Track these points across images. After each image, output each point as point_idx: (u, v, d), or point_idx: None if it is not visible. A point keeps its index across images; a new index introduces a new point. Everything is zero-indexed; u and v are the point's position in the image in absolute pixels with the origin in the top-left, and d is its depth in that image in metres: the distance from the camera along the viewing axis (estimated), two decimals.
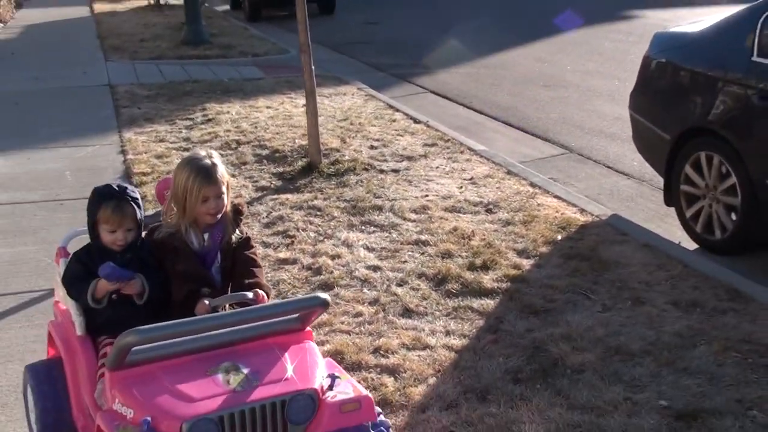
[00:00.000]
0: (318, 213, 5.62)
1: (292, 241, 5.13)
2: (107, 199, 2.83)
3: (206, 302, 2.73)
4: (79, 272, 2.84)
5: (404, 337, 3.90)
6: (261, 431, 2.38)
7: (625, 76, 9.42)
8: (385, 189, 6.07)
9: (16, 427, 3.29)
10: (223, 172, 2.89)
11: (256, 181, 6.35)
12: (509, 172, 6.53)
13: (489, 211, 5.64)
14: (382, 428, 2.65)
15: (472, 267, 4.66)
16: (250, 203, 5.83)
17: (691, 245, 5.23)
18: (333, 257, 4.85)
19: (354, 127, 7.92)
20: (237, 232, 2.97)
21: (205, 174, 2.82)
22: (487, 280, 4.50)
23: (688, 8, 14.98)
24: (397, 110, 8.77)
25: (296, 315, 2.64)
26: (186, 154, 6.89)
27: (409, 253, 4.92)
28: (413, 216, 5.52)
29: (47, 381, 2.92)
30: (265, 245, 5.06)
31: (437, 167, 6.69)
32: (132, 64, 11.60)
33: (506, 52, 12.77)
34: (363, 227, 5.35)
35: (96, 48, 13.10)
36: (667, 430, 3.13)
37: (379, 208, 5.64)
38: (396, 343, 3.85)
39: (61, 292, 3.08)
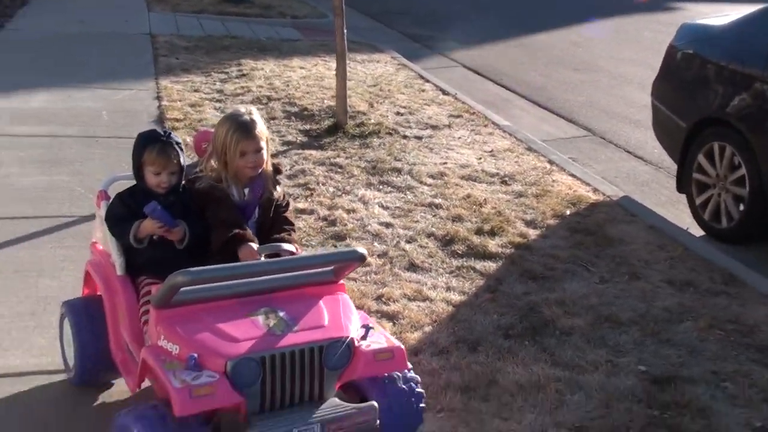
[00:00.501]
0: (339, 170, 5.83)
1: (312, 193, 5.35)
2: (152, 142, 2.94)
3: (254, 246, 2.83)
4: (123, 212, 2.94)
5: (406, 289, 4.12)
6: (299, 374, 2.50)
7: (659, 66, 9.45)
8: (406, 153, 6.27)
9: (43, 332, 3.56)
10: (262, 128, 2.98)
11: (283, 136, 6.57)
12: (529, 148, 6.69)
13: (504, 182, 5.82)
14: (411, 383, 2.81)
15: (480, 231, 4.86)
16: (274, 155, 6.04)
17: (698, 232, 5.38)
18: (348, 211, 5.07)
19: (383, 93, 8.10)
20: (278, 190, 3.08)
21: (244, 128, 2.91)
22: (493, 244, 4.70)
23: (731, 3, 14.88)
24: (428, 81, 8.92)
25: (331, 267, 2.75)
26: (218, 104, 7.20)
27: (422, 214, 5.13)
28: (430, 180, 5.72)
29: (86, 317, 3.06)
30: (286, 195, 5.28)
31: (459, 137, 6.87)
32: (174, 16, 11.82)
33: (543, 32, 12.81)
34: (380, 186, 5.56)
35: None
36: (641, 391, 3.33)
37: (398, 171, 5.85)
38: (398, 293, 4.07)
39: (99, 234, 3.23)
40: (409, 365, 2.84)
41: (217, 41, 10.15)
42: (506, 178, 5.89)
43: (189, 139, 6.18)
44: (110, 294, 2.99)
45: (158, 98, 7.40)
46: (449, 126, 7.19)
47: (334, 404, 2.57)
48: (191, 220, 2.93)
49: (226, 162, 2.94)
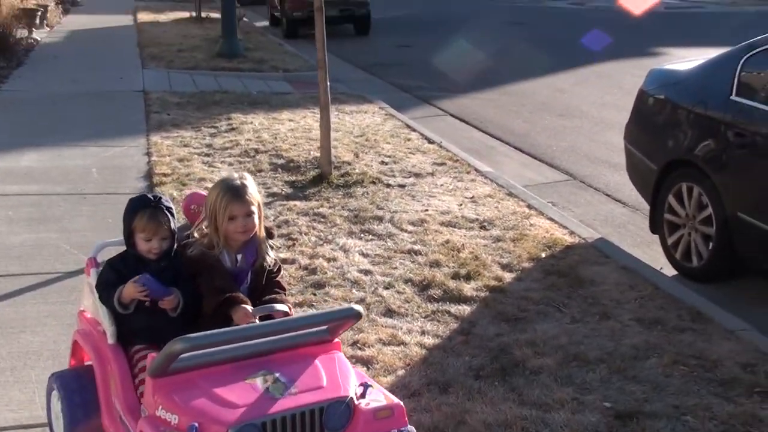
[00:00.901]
0: (322, 220, 5.99)
1: (294, 243, 5.50)
2: (143, 208, 2.94)
3: (249, 309, 2.84)
4: (112, 278, 2.92)
5: (382, 334, 4.24)
6: None
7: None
8: (389, 202, 6.43)
9: (22, 387, 3.67)
10: (253, 192, 2.97)
11: (269, 188, 6.74)
12: (510, 194, 6.85)
13: (483, 227, 5.97)
14: None
15: (456, 276, 4.99)
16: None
17: (672, 272, 5.51)
18: (329, 260, 5.21)
19: (369, 143, 8.30)
20: (270, 255, 3.08)
21: (234, 192, 2.92)
22: (468, 288, 4.83)
23: (714, 47, 15.20)
24: (414, 130, 9.14)
25: (326, 327, 2.75)
26: (206, 158, 7.39)
27: (401, 260, 5.27)
28: (410, 228, 5.87)
29: (77, 389, 3.01)
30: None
31: (442, 185, 7.04)
32: (167, 73, 12.12)
33: (529, 80, 13.09)
34: (362, 235, 5.71)
35: (135, 55, 13.67)
36: (605, 427, 3.43)
37: (380, 219, 6.00)
38: (373, 338, 4.19)
39: (87, 302, 3.21)
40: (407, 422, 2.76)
41: (209, 96, 10.41)
42: (485, 224, 6.04)
43: (176, 194, 6.37)
44: (101, 364, 2.96)
45: (148, 154, 7.60)
46: (432, 174, 7.37)
47: None
48: (183, 286, 2.93)
49: (216, 226, 2.94)
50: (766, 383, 3.80)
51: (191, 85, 11.31)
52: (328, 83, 6.97)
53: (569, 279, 5.01)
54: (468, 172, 7.47)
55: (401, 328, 4.33)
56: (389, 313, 4.52)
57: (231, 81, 11.76)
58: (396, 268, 5.14)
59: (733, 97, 5.02)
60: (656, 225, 5.73)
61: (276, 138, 8.30)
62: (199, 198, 3.22)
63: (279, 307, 2.89)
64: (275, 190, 6.71)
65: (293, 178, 7.02)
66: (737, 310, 4.71)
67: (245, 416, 2.42)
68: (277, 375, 2.58)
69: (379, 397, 2.69)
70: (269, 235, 3.12)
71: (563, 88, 12.57)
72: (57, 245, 5.32)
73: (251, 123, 8.93)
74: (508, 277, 5.05)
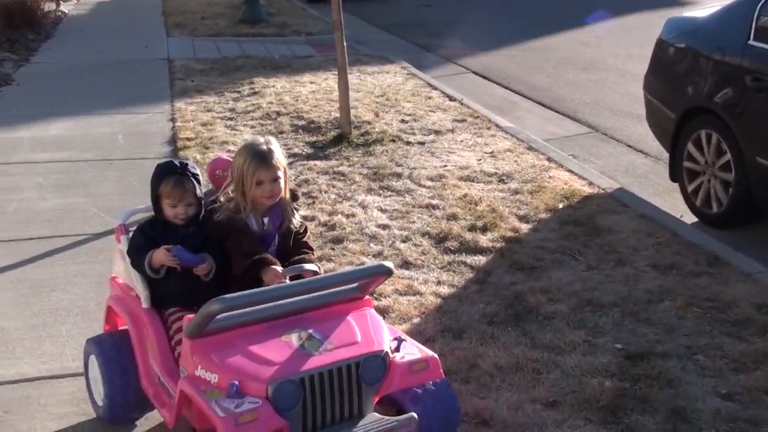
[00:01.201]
0: (341, 178, 6.07)
1: (314, 201, 5.59)
2: (168, 175, 2.97)
3: (279, 269, 2.87)
4: (142, 243, 2.97)
5: (398, 285, 4.32)
6: (338, 392, 2.54)
7: None
8: (408, 159, 6.48)
9: (53, 341, 3.84)
10: (279, 157, 3.00)
11: (290, 149, 6.82)
12: (530, 148, 6.86)
13: (501, 181, 6.00)
14: (446, 390, 2.82)
15: (473, 228, 5.05)
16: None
17: (692, 219, 5.50)
18: (348, 216, 5.30)
19: (389, 103, 8.33)
20: (297, 218, 3.11)
21: (261, 158, 2.94)
22: (484, 240, 4.89)
23: None
24: (435, 88, 9.13)
25: (357, 284, 2.80)
26: (229, 122, 7.49)
27: (418, 215, 5.33)
28: (429, 183, 5.92)
29: (114, 352, 3.06)
30: None
31: (461, 141, 7.06)
32: (191, 40, 12.20)
33: (553, 35, 12.94)
34: (380, 191, 5.78)
35: (160, 24, 13.75)
36: (615, 367, 3.49)
37: (398, 175, 6.06)
38: (390, 289, 4.27)
39: (119, 267, 3.25)
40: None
41: (231, 62, 10.48)
42: (504, 177, 6.07)
43: (200, 157, 6.49)
44: (137, 328, 3.01)
45: (172, 119, 7.72)
46: (452, 130, 7.39)
47: (374, 419, 2.61)
48: (212, 251, 2.97)
49: (243, 191, 2.97)
50: None
51: (215, 51, 11.38)
52: (345, 44, 7.00)
53: (586, 228, 5.04)
54: (488, 128, 7.48)
55: (417, 279, 4.41)
56: (406, 264, 4.60)
57: (254, 46, 11.80)
58: (413, 222, 5.21)
59: (751, 42, 4.96)
60: (676, 173, 5.71)
61: (297, 100, 8.36)
62: (223, 163, 3.29)
63: (308, 266, 2.94)
64: (296, 150, 6.79)
65: (314, 138, 7.09)
66: (755, 254, 4.71)
67: (283, 373, 2.47)
68: (311, 332, 2.63)
69: (413, 350, 2.74)
70: (294, 197, 3.15)
71: (587, 41, 12.40)
72: (85, 209, 5.47)
73: (273, 86, 8.99)
74: (524, 228, 5.10)
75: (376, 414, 2.64)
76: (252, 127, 7.44)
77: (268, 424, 2.39)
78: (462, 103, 8.39)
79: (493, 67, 10.90)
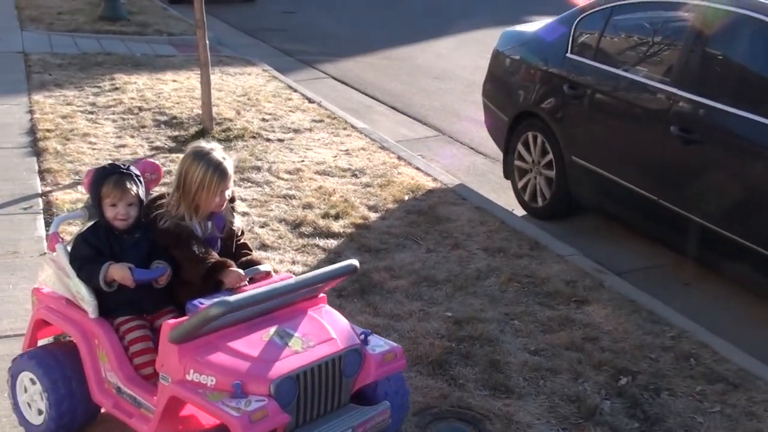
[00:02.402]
0: None
1: None
2: (109, 174, 2.93)
3: (241, 271, 2.93)
4: (89, 254, 2.89)
5: None
6: (325, 386, 2.68)
7: None
8: (267, 154, 6.85)
9: None
10: (230, 165, 3.02)
11: (152, 142, 7.03)
12: (382, 147, 7.38)
13: (354, 175, 6.48)
14: (401, 378, 3.06)
15: (326, 216, 5.49)
16: (142, 160, 6.51)
17: (522, 212, 6.17)
18: None
19: (251, 102, 8.65)
20: (237, 220, 3.18)
21: (223, 173, 2.96)
22: (337, 226, 5.34)
23: None
24: (295, 90, 9.52)
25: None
26: (90, 116, 7.54)
27: (276, 204, 5.71)
28: (287, 176, 6.31)
29: (55, 365, 2.97)
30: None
31: (319, 139, 7.50)
32: (48, 35, 11.98)
33: (410, 45, 13.65)
34: (240, 183, 6.10)
35: (12, 17, 13.37)
36: (444, 330, 4.02)
37: (258, 168, 6.42)
38: None
39: (47, 278, 3.12)
40: None
41: (92, 58, 10.44)
42: (357, 172, 6.55)
43: (60, 147, 6.59)
44: (86, 338, 2.94)
45: (30, 111, 7.70)
46: (310, 129, 7.81)
47: (353, 409, 2.77)
48: (161, 257, 2.96)
49: (194, 199, 2.96)
50: (583, 294, 4.49)
51: (73, 47, 11.27)
52: (207, 41, 7.28)
53: (428, 217, 5.59)
54: (344, 128, 7.95)
55: (274, 259, 4.79)
56: (263, 247, 4.97)
57: (114, 44, 11.76)
58: (272, 210, 5.58)
59: (569, 55, 5.68)
60: (509, 171, 6.38)
61: (159, 97, 8.53)
62: (151, 166, 3.25)
63: (263, 268, 3.04)
64: (159, 144, 7.00)
65: (176, 133, 7.32)
66: (570, 240, 5.41)
67: (282, 371, 2.58)
68: (288, 331, 2.74)
69: (380, 343, 2.92)
70: (231, 199, 3.18)
71: (442, 53, 13.18)
72: None
73: (135, 83, 9.09)
74: (373, 216, 5.59)
75: (353, 405, 2.80)
76: (114, 120, 7.56)
77: (276, 421, 2.50)
78: (320, 105, 8.83)
79: (352, 73, 11.43)
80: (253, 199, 5.77)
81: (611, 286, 4.61)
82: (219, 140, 7.11)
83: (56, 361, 2.99)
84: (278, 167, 6.49)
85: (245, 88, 9.36)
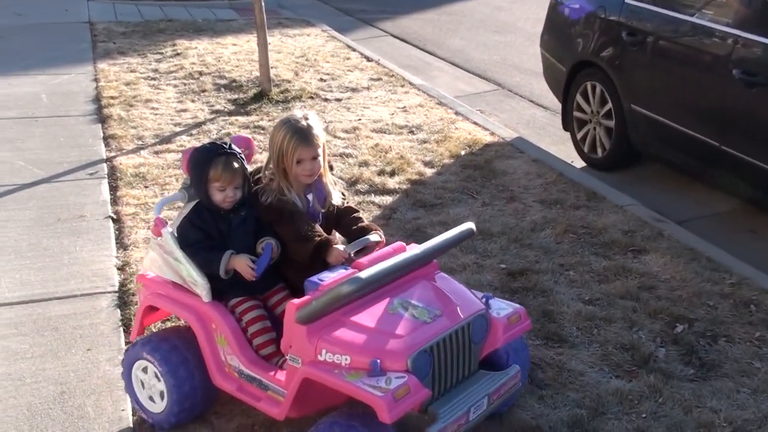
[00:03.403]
0: (261, 131, 6.44)
1: None
2: (216, 156, 2.79)
3: (341, 248, 2.81)
4: (200, 239, 2.83)
5: None
6: (456, 355, 2.60)
7: None
8: (325, 114, 6.89)
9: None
10: (319, 132, 2.88)
11: (212, 106, 7.15)
12: (440, 103, 7.34)
13: (411, 132, 6.47)
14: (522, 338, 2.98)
15: (382, 173, 5.51)
16: (203, 123, 6.65)
17: (582, 164, 6.08)
18: None
19: (309, 63, 8.69)
20: (337, 193, 3.03)
21: (301, 135, 2.83)
22: (392, 182, 5.36)
23: None
24: (354, 50, 9.52)
25: None
26: (152, 82, 7.73)
27: (333, 162, 5.75)
28: (343, 135, 6.35)
29: (171, 349, 2.91)
30: None
31: (376, 97, 7.50)
32: (112, 4, 12.24)
33: (469, 0, 13.45)
34: None
35: None
36: (498, 282, 4.02)
37: None
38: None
39: (153, 264, 3.03)
40: None
41: (154, 25, 10.63)
42: (413, 129, 6.54)
43: (124, 114, 6.77)
44: (203, 323, 2.87)
45: (95, 80, 7.91)
46: (368, 88, 7.82)
47: (484, 376, 2.69)
48: (268, 233, 2.88)
49: (285, 170, 2.88)
50: (640, 244, 4.41)
51: (137, 15, 11.49)
52: (263, 3, 7.32)
53: (484, 171, 5.56)
54: (402, 86, 7.93)
55: None
56: None
57: (176, 10, 11.95)
58: None
59: (627, 1, 5.51)
60: (567, 123, 6.28)
61: (219, 61, 8.64)
62: (244, 141, 3.11)
63: (373, 238, 2.91)
64: (218, 107, 7.12)
65: (235, 96, 7.42)
66: (628, 190, 5.30)
67: (416, 344, 2.48)
68: (411, 302, 2.64)
69: (502, 305, 2.84)
70: (330, 167, 3.07)
71: (502, 5, 12.95)
72: (12, 162, 5.71)
73: (196, 48, 9.24)
74: (429, 172, 5.58)
75: (483, 371, 2.72)
76: (175, 86, 7.71)
77: (418, 396, 2.40)
78: (379, 63, 8.81)
79: (411, 30, 11.35)
80: None
81: (670, 235, 4.52)
82: (278, 102, 7.20)
83: (172, 345, 2.93)
84: (335, 126, 6.52)
85: (304, 49, 9.40)
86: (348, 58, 9.06)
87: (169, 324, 3.53)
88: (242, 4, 12.92)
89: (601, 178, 5.55)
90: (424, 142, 6.21)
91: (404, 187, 5.30)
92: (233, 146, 2.88)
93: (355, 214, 3.05)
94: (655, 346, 3.48)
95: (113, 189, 5.26)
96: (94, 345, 3.54)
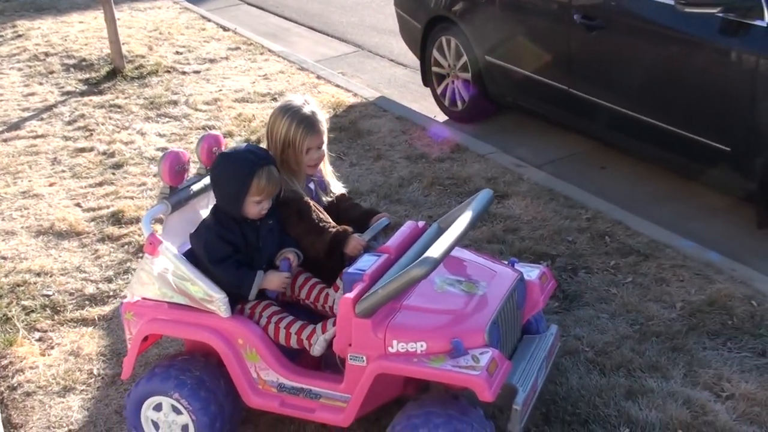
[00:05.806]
0: (118, 110, 6.23)
1: (91, 133, 5.74)
2: (259, 168, 2.57)
3: (357, 236, 2.73)
4: (231, 253, 2.59)
5: None
6: (510, 322, 2.57)
7: None
8: (184, 87, 6.73)
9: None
10: (323, 118, 2.80)
11: (62, 87, 6.84)
12: (301, 68, 7.30)
13: (274, 99, 6.43)
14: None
15: (247, 141, 5.45)
16: (54, 106, 6.35)
17: (444, 118, 6.22)
18: (127, 143, 5.52)
19: (163, 36, 8.43)
20: (333, 184, 2.97)
21: (308, 124, 2.72)
22: None
23: None
24: (209, 20, 9.29)
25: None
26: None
27: (196, 136, 5.65)
28: (205, 107, 6.23)
29: (195, 384, 2.65)
30: (65, 138, 5.66)
31: (236, 67, 7.38)
32: None
33: None
34: (158, 119, 6.01)
35: None
36: None
37: (175, 103, 6.31)
38: None
39: (146, 288, 2.72)
40: None
41: None
42: (276, 96, 6.49)
43: None
44: (227, 341, 2.62)
45: None
46: (227, 58, 7.67)
47: (531, 340, 2.67)
48: (289, 240, 2.74)
49: (288, 160, 2.76)
50: (503, 189, 4.59)
51: None
52: None
53: (349, 132, 5.60)
54: (261, 54, 7.83)
55: None
56: None
57: None
58: (192, 142, 5.52)
59: None
60: (427, 78, 6.39)
61: (66, 40, 8.25)
62: (214, 139, 2.96)
63: (386, 222, 2.89)
64: (69, 88, 6.82)
65: (86, 75, 7.12)
66: (491, 140, 5.48)
67: (485, 317, 2.44)
68: (452, 277, 2.57)
69: (527, 268, 2.81)
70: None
71: None
72: None
73: (39, 28, 8.77)
74: None
75: (528, 336, 2.70)
76: (19, 69, 7.32)
77: (504, 368, 2.35)
78: (236, 32, 8.65)
79: None
80: (172, 133, 5.70)
81: (530, 179, 4.73)
82: (133, 78, 6.97)
83: (195, 378, 2.65)
84: (195, 99, 6.39)
85: (156, 23, 9.10)
86: (203, 29, 8.84)
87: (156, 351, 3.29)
88: None
89: (464, 130, 5.71)
90: None
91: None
92: (270, 152, 2.70)
93: (351, 201, 2.99)
94: None
95: None
96: None
